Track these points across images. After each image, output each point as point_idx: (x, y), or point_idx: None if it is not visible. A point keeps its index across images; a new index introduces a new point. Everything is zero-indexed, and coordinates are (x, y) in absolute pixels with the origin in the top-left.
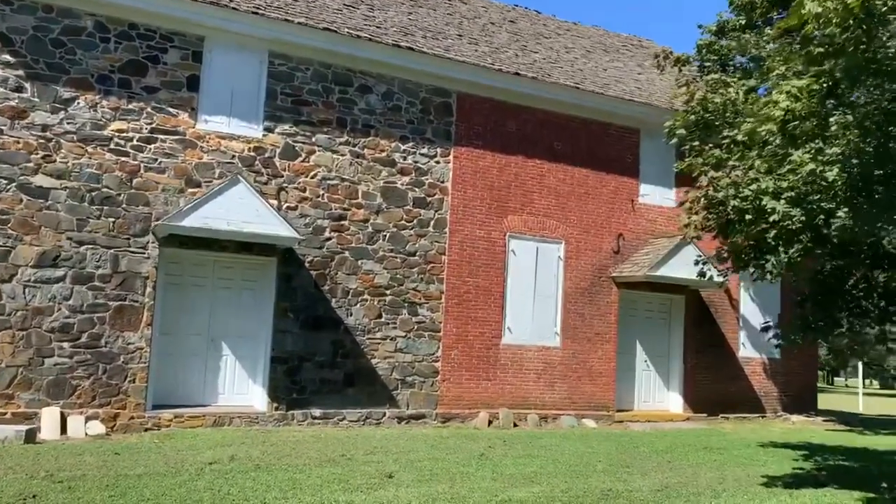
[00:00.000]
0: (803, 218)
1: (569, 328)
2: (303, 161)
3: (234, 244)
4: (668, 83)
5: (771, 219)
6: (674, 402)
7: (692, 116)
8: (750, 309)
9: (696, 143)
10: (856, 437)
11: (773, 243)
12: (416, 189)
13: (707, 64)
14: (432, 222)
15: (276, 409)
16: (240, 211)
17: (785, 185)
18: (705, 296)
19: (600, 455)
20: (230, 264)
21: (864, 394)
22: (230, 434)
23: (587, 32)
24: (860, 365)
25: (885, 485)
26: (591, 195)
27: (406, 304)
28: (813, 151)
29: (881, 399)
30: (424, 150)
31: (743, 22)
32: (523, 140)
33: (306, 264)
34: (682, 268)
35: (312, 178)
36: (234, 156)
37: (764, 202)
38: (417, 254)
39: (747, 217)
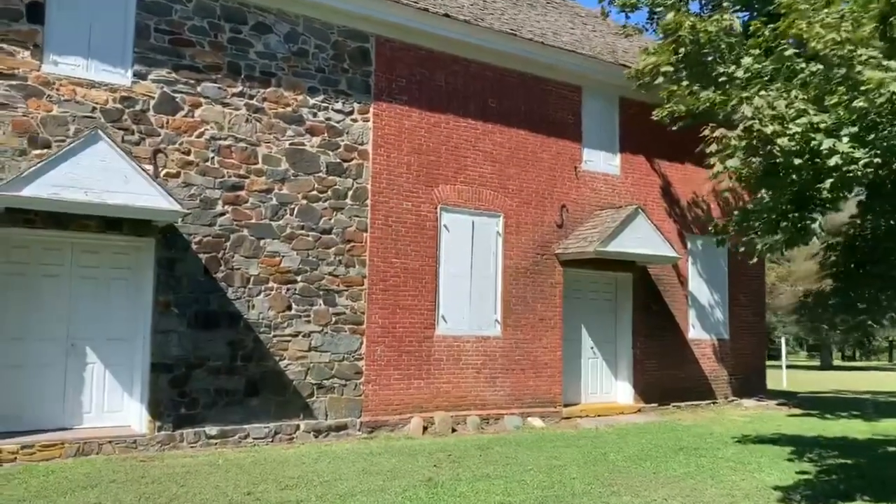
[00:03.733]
0: (877, 160)
1: (510, 314)
2: (186, 116)
3: (98, 221)
4: (604, 41)
5: (830, 162)
6: (622, 392)
7: (681, 49)
8: (698, 285)
9: (685, 82)
10: (825, 424)
11: (829, 195)
12: (330, 152)
13: (658, 9)
14: (350, 193)
15: (160, 428)
16: (102, 177)
17: (832, 119)
18: (653, 272)
19: (570, 468)
20: (94, 248)
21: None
22: (98, 466)
23: None
24: (783, 339)
25: None
26: (530, 161)
27: (321, 293)
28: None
29: (796, 372)
30: (338, 106)
31: None
32: (454, 96)
33: (193, 246)
34: (634, 241)
35: (199, 137)
36: (94, 108)
37: (817, 141)
38: (333, 231)
39: (796, 161)
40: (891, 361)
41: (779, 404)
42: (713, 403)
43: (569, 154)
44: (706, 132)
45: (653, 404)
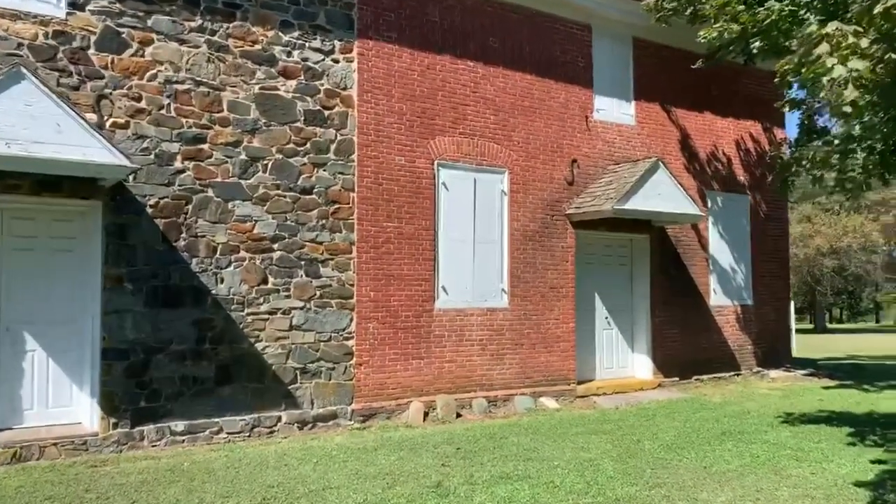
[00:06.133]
0: None
1: (518, 283)
2: (134, 55)
3: (30, 181)
4: None
5: None
6: (640, 365)
7: None
8: (719, 247)
9: None
10: (869, 397)
11: None
12: (308, 98)
13: None
14: (333, 146)
15: (116, 426)
16: (28, 125)
17: None
18: (672, 233)
19: (603, 463)
20: (28, 213)
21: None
22: (36, 476)
23: None
24: (791, 303)
25: None
26: (537, 109)
27: (302, 263)
28: None
29: (802, 336)
30: (316, 44)
31: None
32: (450, 34)
33: (149, 209)
34: (654, 198)
35: (151, 80)
36: (20, 44)
37: None
38: (315, 191)
39: None
40: (877, 323)
41: (807, 375)
42: (737, 375)
43: (579, 102)
44: (812, 28)
45: (673, 378)
